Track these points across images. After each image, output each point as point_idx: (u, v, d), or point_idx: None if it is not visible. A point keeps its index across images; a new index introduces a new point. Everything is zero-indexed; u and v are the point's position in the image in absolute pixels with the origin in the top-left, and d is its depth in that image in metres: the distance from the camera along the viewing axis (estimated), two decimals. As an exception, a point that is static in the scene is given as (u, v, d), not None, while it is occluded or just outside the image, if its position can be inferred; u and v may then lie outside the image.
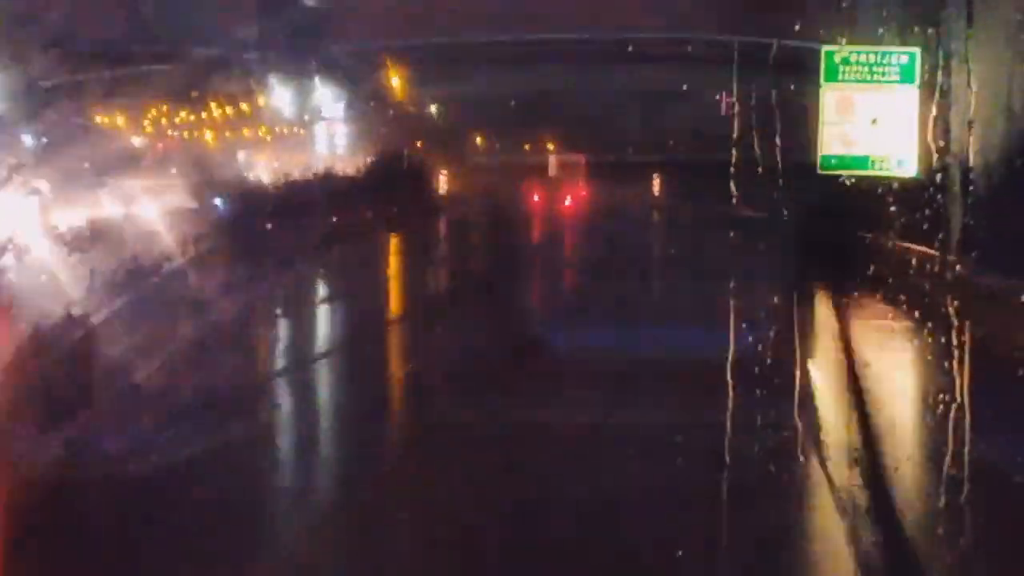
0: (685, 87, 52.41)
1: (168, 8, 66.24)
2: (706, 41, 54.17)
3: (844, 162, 27.19)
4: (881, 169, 26.72)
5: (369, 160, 48.99)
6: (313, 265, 31.46)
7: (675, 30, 56.18)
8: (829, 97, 27.50)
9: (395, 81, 55.83)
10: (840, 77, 27.43)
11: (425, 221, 47.55)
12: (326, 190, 42.77)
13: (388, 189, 44.87)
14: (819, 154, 27.15)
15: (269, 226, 34.74)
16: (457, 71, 57.87)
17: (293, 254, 31.17)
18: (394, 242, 41.96)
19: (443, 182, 54.62)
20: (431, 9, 56.75)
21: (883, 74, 26.96)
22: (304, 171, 46.31)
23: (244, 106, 55.84)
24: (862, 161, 26.78)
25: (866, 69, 27.09)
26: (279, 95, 54.75)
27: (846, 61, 27.21)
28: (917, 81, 26.42)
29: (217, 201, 35.05)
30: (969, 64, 23.79)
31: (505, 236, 41.66)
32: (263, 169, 49.78)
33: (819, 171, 26.99)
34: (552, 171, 57.04)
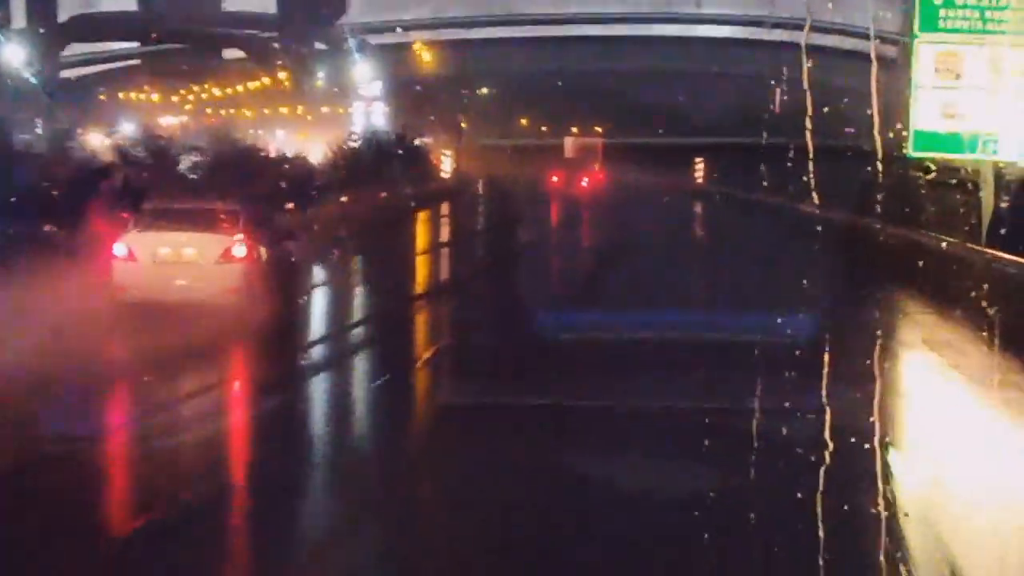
0: (731, 69, 54.25)
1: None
2: (750, 20, 56.00)
3: (942, 142, 21.55)
4: (991, 152, 21.04)
5: (394, 139, 50.56)
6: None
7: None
8: (926, 53, 21.38)
9: (427, 57, 57.35)
10: (941, 25, 21.15)
11: (445, 199, 49.60)
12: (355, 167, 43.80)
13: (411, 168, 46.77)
14: (911, 128, 21.80)
15: (345, 199, 37.68)
16: (488, 47, 59.70)
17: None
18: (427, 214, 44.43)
19: (455, 163, 56.20)
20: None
21: (999, 21, 20.57)
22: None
23: (282, 84, 57.59)
24: (969, 143, 20.87)
25: (977, 15, 20.79)
26: (317, 73, 56.46)
27: (950, 4, 20.99)
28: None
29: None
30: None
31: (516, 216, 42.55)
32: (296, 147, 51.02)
33: (912, 152, 21.95)
34: (568, 153, 58.38)
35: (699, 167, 57.18)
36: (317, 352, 16.74)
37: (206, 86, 60.77)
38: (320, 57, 59.09)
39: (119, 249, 17.72)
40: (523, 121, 61.75)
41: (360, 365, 16.19)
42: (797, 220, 28.55)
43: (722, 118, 55.27)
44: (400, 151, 47.75)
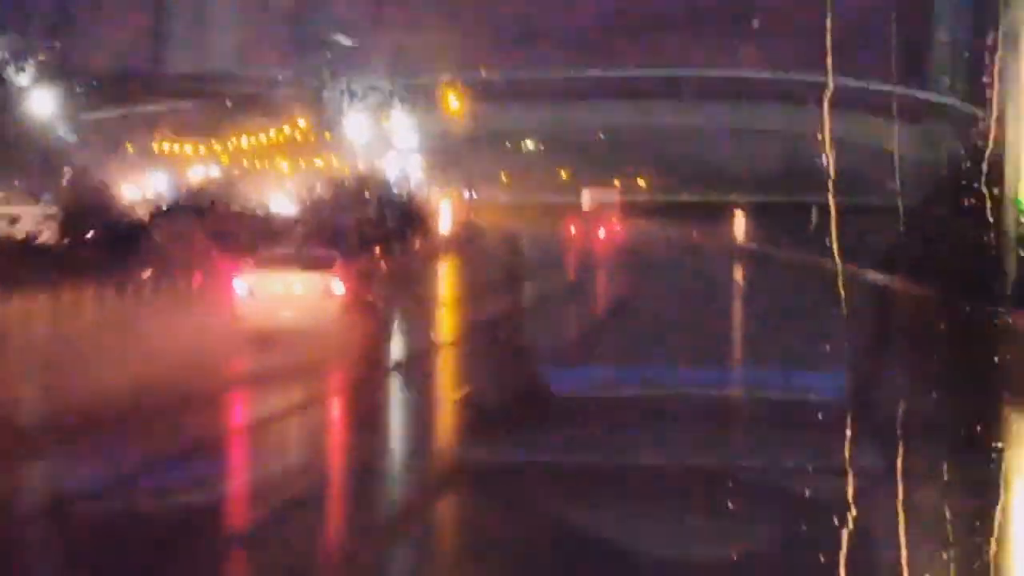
0: (770, 126, 55.55)
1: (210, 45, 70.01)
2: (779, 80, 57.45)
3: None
4: None
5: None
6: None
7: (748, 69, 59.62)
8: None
9: (455, 107, 58.58)
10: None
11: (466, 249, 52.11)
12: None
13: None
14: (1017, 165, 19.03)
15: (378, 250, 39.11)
16: (520, 106, 61.37)
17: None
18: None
19: (466, 216, 58.11)
20: (495, 42, 60.36)
21: None
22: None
23: (317, 136, 59.01)
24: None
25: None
26: (354, 126, 57.87)
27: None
28: None
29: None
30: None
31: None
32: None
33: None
34: (585, 207, 60.42)
35: (740, 223, 57.86)
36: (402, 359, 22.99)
37: (233, 139, 62.17)
38: (354, 109, 60.46)
39: (240, 286, 22.11)
40: (563, 174, 63.25)
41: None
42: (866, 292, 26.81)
43: (766, 175, 56.38)
44: (393, 206, 48.15)
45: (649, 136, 60.53)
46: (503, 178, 60.91)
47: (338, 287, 22.21)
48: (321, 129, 60.80)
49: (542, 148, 61.64)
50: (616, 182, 61.26)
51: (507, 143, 60.35)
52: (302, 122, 61.26)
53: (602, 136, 60.41)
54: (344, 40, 66.86)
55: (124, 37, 69.50)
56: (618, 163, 61.35)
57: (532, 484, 12.18)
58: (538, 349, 22.57)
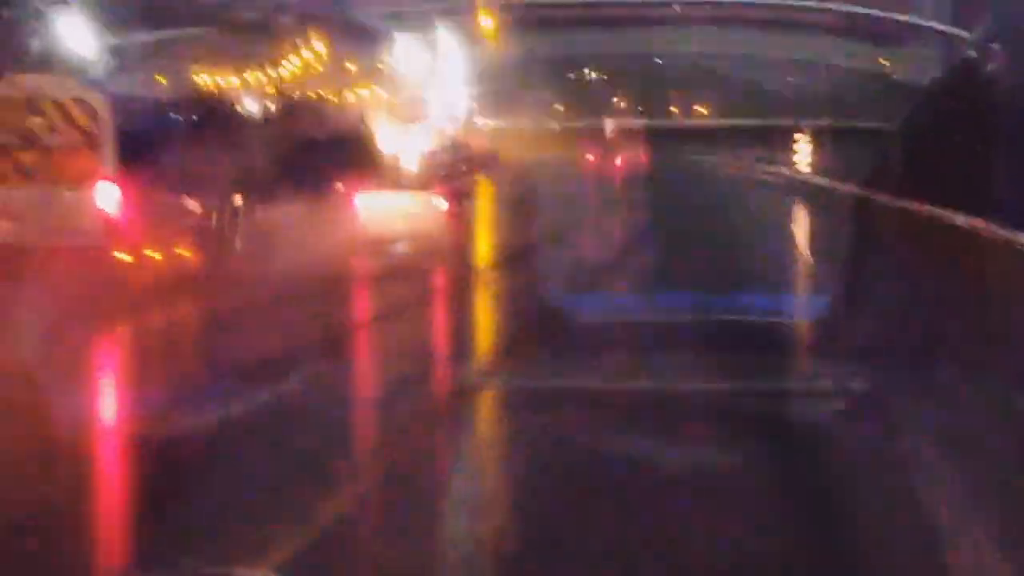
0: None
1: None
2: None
3: None
4: None
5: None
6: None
7: None
8: None
9: (496, 32, 59.66)
10: None
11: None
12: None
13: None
14: None
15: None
16: (578, 33, 62.98)
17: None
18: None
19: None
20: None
21: None
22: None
23: (359, 66, 60.31)
24: None
25: None
26: (399, 53, 59.11)
27: None
28: None
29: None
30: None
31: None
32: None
33: None
34: (608, 135, 62.86)
35: (803, 149, 54.44)
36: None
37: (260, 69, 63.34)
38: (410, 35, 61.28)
39: (360, 202, 27.44)
40: (621, 103, 65.15)
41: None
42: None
43: (825, 103, 57.09)
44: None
45: (711, 63, 62.29)
46: (559, 107, 62.80)
47: (441, 203, 28.02)
48: (357, 59, 61.94)
49: (604, 78, 63.60)
50: (674, 108, 63.22)
51: (570, 74, 62.46)
52: (321, 47, 62.29)
53: (658, 61, 62.24)
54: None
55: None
56: (678, 90, 63.28)
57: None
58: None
